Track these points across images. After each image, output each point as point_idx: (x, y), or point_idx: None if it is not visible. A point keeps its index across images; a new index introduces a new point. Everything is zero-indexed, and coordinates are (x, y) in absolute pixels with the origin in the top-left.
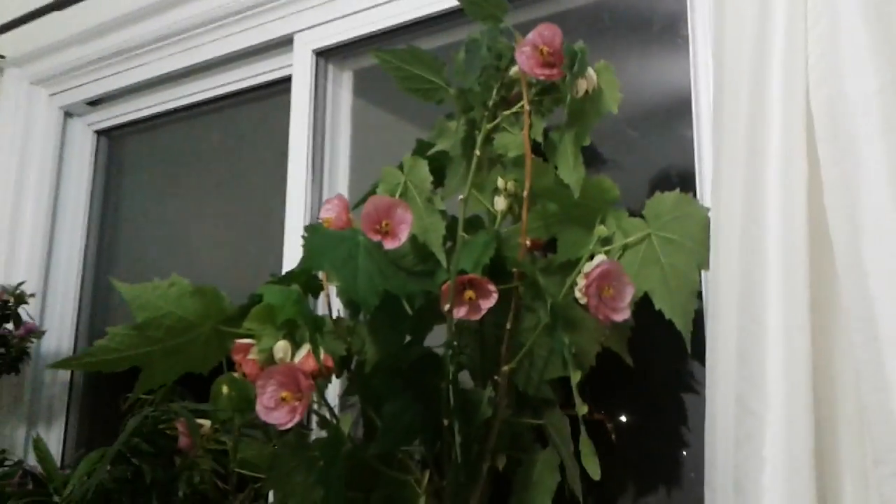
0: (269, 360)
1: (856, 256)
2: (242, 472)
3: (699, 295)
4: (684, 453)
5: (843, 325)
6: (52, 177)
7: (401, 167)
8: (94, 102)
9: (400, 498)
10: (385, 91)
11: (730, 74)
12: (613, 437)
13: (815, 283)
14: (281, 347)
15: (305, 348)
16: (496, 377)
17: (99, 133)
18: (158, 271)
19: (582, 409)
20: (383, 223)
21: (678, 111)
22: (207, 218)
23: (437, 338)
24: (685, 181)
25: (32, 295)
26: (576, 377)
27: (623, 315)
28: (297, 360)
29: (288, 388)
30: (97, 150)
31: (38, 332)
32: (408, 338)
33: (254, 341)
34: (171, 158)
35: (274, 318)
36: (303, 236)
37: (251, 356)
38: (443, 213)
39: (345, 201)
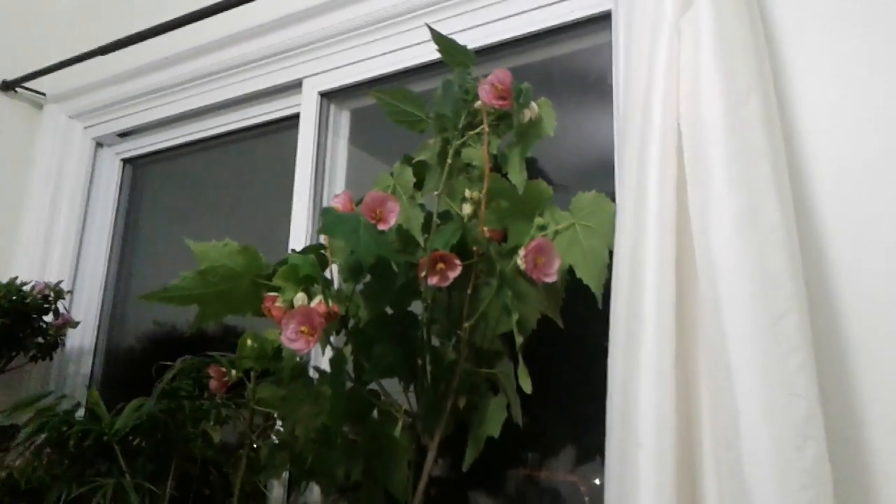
0: (291, 307)
1: (703, 224)
2: (259, 408)
3: (609, 267)
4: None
5: (696, 271)
6: (83, 197)
7: (391, 174)
8: (123, 134)
9: (384, 428)
10: (376, 127)
11: (631, 107)
12: (587, 500)
13: (678, 244)
14: (300, 297)
15: (318, 298)
16: (459, 333)
17: (125, 161)
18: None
19: (519, 340)
20: (378, 211)
21: (603, 138)
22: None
23: (413, 309)
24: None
25: (70, 291)
26: (515, 317)
27: (552, 278)
28: (311, 306)
29: (305, 324)
30: (123, 176)
31: (73, 323)
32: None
33: (280, 294)
34: (188, 185)
35: (296, 276)
36: (320, 215)
37: (278, 304)
38: (422, 206)
39: (350, 195)
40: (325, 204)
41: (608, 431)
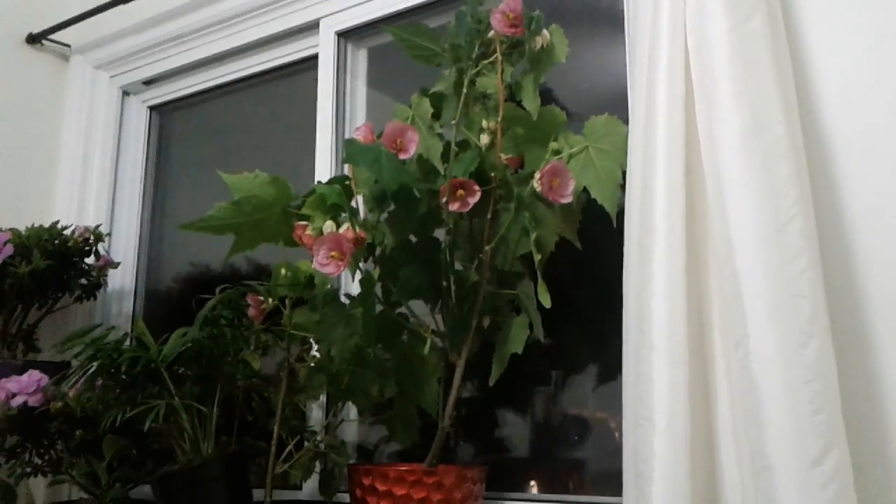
0: (320, 234)
1: (710, 138)
2: (295, 332)
3: (622, 187)
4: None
5: (704, 181)
6: (114, 145)
7: (410, 105)
8: (149, 82)
9: (413, 349)
10: (393, 66)
11: (640, 30)
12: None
13: (687, 158)
14: (329, 225)
15: (346, 225)
16: (480, 256)
17: (152, 108)
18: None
19: (538, 257)
20: (398, 141)
21: (615, 64)
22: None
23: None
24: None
25: (109, 234)
26: (533, 236)
27: (567, 199)
28: (340, 232)
29: (335, 249)
30: (150, 123)
31: (113, 264)
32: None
33: (309, 222)
34: (214, 129)
35: (324, 204)
36: (344, 145)
37: (308, 231)
38: (440, 136)
39: (370, 127)
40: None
41: (624, 339)
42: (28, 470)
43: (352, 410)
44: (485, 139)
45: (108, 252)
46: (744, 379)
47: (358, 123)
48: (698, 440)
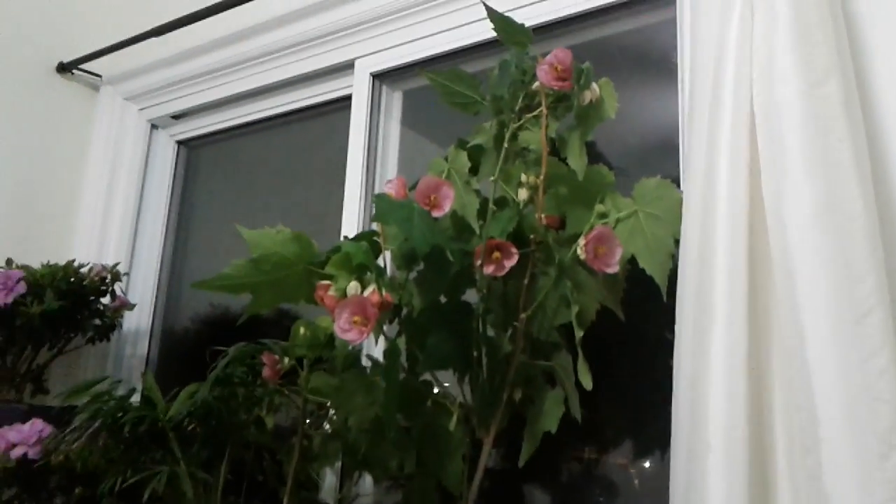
0: (344, 296)
1: (779, 215)
2: (311, 398)
3: (674, 257)
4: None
5: (771, 267)
6: (139, 179)
7: (446, 158)
8: (178, 116)
9: (437, 419)
10: (429, 109)
11: (699, 89)
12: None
13: (751, 235)
14: (353, 286)
15: (371, 287)
16: (515, 324)
17: (180, 143)
18: (226, 265)
19: (579, 334)
20: (432, 197)
21: (666, 119)
22: (272, 220)
23: (468, 298)
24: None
25: (126, 274)
26: (575, 309)
27: (613, 269)
28: (365, 295)
29: (359, 314)
30: (177, 158)
31: (129, 306)
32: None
33: (333, 282)
34: (242, 167)
35: (349, 264)
36: (373, 201)
37: (331, 293)
38: (477, 192)
39: (403, 181)
40: (377, 188)
41: (674, 432)
42: None
43: (368, 480)
44: (523, 194)
45: (125, 292)
46: (814, 491)
47: (390, 169)
48: None
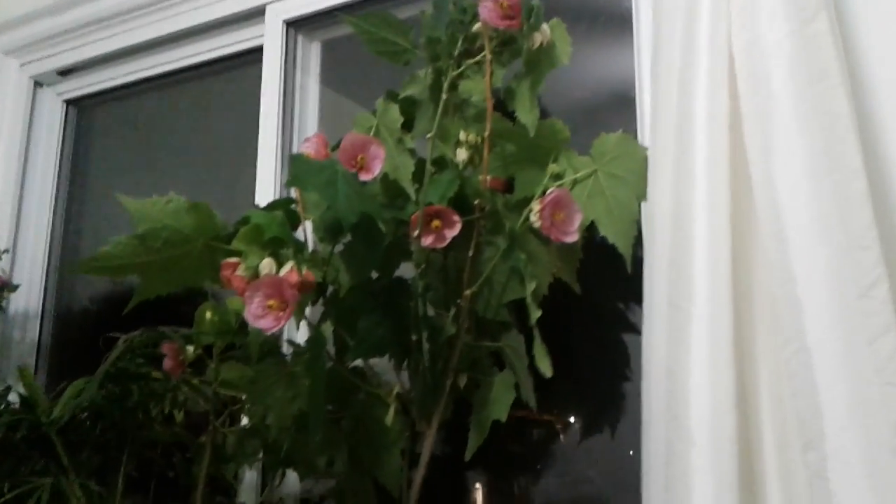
0: (255, 276)
1: (767, 173)
2: (223, 391)
3: (637, 223)
4: (627, 368)
5: (758, 232)
6: (21, 143)
7: (373, 112)
8: (65, 72)
9: (371, 410)
10: (351, 63)
11: (666, 28)
12: (563, 437)
13: (734, 196)
14: (266, 264)
15: (289, 265)
16: (459, 302)
17: (68, 102)
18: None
19: (535, 314)
20: (359, 157)
21: (622, 62)
22: (177, 186)
23: (403, 273)
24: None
25: (6, 251)
26: (531, 286)
27: (572, 237)
28: (281, 274)
29: (274, 297)
30: (66, 119)
31: (11, 287)
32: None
33: (241, 260)
34: (141, 128)
35: (260, 238)
36: (289, 162)
37: (239, 272)
38: (411, 152)
39: (323, 138)
40: (296, 145)
41: (646, 424)
42: None
43: (293, 476)
44: (462, 155)
45: (7, 271)
46: (818, 491)
47: (309, 128)
48: None
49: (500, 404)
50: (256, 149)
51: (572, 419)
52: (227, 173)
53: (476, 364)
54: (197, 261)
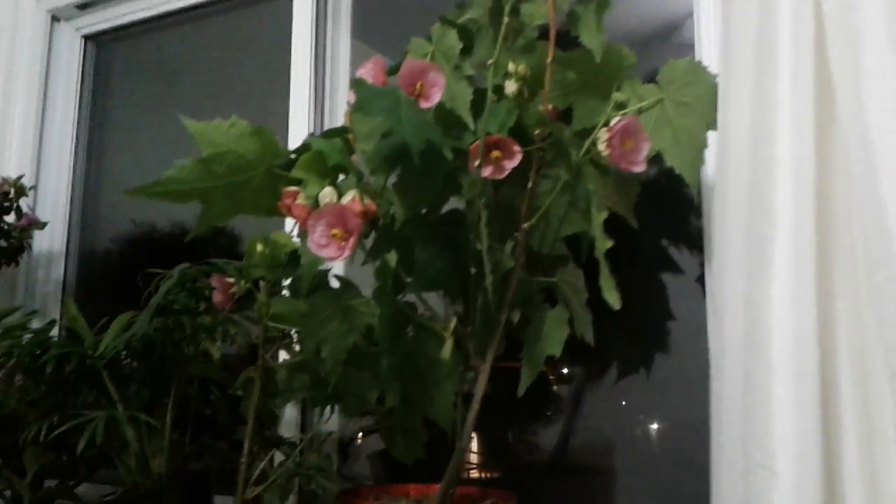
0: (315, 205)
1: (856, 95)
2: (274, 325)
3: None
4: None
5: (845, 157)
6: (40, 80)
7: (429, 38)
8: (83, 6)
9: (422, 345)
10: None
11: None
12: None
13: (819, 123)
14: (328, 193)
15: (350, 194)
16: (516, 235)
17: (87, 38)
18: (151, 176)
19: (605, 245)
20: (418, 84)
21: None
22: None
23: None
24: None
25: (33, 187)
26: (601, 216)
27: (640, 167)
28: (344, 202)
29: (337, 226)
30: (85, 55)
31: (39, 224)
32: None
33: (301, 189)
34: (163, 65)
35: (321, 165)
36: (351, 87)
37: (299, 201)
38: (469, 79)
39: (382, 63)
40: (328, 102)
41: (718, 353)
42: None
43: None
44: (512, 87)
45: (32, 209)
46: None
47: (343, 65)
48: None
49: (553, 340)
50: (282, 88)
51: (565, 370)
52: (251, 113)
53: (527, 300)
54: (257, 188)
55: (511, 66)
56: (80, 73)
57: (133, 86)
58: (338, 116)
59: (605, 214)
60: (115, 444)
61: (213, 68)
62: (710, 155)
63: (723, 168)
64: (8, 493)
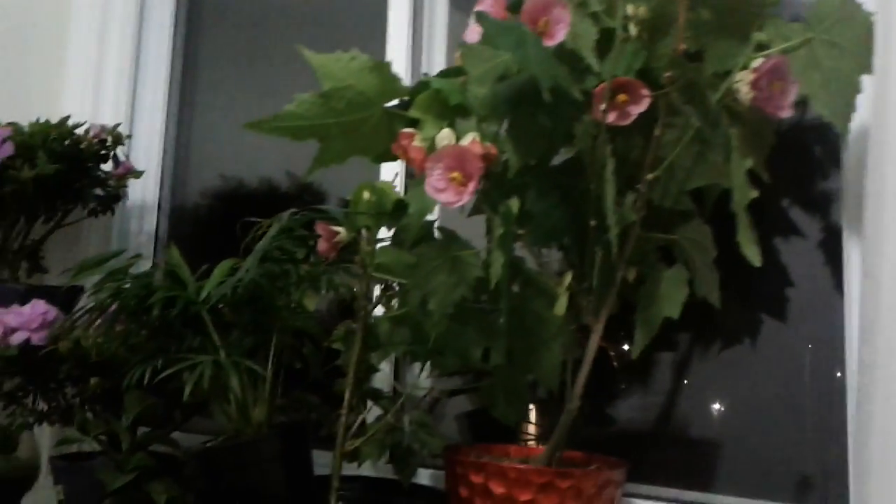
0: (432, 147)
1: None
2: (379, 275)
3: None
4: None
5: None
6: (135, 24)
7: None
8: None
9: (529, 302)
10: None
11: None
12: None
13: None
14: (446, 135)
15: (470, 136)
16: (638, 187)
17: None
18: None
19: (749, 196)
20: (541, 21)
21: None
22: (294, 76)
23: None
24: None
25: (129, 136)
26: (742, 166)
27: (787, 112)
28: (464, 145)
29: (457, 169)
30: (178, 4)
31: (136, 173)
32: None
33: (418, 130)
34: (256, 11)
35: (440, 105)
36: (476, 20)
37: (416, 143)
38: (593, 17)
39: None
40: (425, 41)
41: (868, 324)
42: (31, 420)
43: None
44: (633, 30)
45: (128, 158)
46: None
47: (441, 6)
48: None
49: (671, 301)
50: (379, 34)
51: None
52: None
53: (643, 258)
54: (374, 128)
55: (630, 9)
56: (174, 20)
57: (227, 32)
58: (437, 64)
59: (748, 163)
60: (217, 390)
61: (305, 14)
62: (862, 102)
63: (881, 118)
64: (104, 437)
